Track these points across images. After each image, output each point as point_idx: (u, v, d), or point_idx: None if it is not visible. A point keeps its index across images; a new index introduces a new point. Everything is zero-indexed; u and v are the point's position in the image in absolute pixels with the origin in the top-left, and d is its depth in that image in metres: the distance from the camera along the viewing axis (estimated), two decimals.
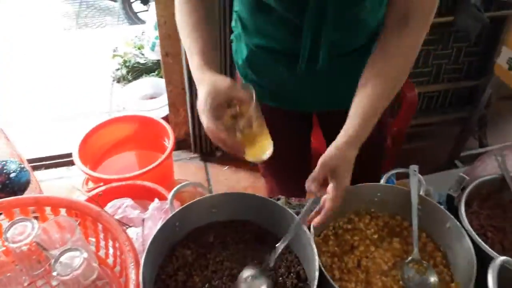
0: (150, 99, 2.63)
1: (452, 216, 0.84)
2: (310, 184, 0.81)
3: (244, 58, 1.09)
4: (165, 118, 2.31)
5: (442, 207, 0.88)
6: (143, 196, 1.35)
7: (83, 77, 3.15)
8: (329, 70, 1.00)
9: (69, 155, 1.82)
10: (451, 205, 0.90)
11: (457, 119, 2.22)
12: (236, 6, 1.06)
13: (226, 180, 2.25)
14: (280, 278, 0.82)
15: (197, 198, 0.85)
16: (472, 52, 1.99)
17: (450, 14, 1.74)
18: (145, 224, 0.82)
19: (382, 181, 0.94)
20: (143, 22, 3.66)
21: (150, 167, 1.61)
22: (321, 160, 0.81)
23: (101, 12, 4.40)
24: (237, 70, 1.18)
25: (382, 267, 0.84)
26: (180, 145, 2.43)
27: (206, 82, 0.81)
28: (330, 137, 1.32)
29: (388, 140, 1.60)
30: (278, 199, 1.07)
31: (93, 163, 1.89)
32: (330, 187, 0.79)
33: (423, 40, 0.88)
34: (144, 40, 3.05)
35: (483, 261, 0.75)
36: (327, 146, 1.33)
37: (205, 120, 0.78)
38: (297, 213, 0.99)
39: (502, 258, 0.62)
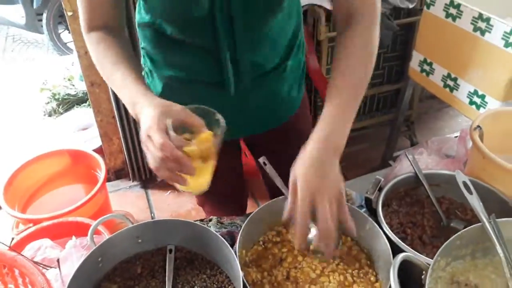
0: (83, 130, 2.56)
1: (370, 218, 0.87)
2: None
3: (159, 93, 1.05)
4: (100, 149, 2.25)
5: (362, 210, 0.92)
6: (79, 233, 1.30)
7: (13, 114, 3.00)
8: (254, 90, 1.01)
9: None
10: (371, 207, 0.94)
11: (386, 121, 2.33)
12: (142, 43, 1.03)
13: (169, 205, 2.22)
14: None
15: (119, 231, 0.83)
16: (391, 58, 2.11)
17: None
18: (63, 263, 0.79)
19: None
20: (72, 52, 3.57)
21: (81, 202, 1.56)
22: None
23: (29, 45, 4.24)
24: None
25: (311, 275, 0.86)
26: (118, 174, 2.38)
27: (157, 105, 0.77)
28: (260, 156, 1.35)
29: None
30: (210, 220, 1.07)
31: (23, 203, 1.79)
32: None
33: (377, 39, 0.89)
34: (73, 71, 2.98)
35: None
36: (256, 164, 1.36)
37: (159, 136, 0.72)
38: (230, 232, 1.00)
39: (402, 254, 0.66)
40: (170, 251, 0.89)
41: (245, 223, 0.86)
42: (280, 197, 0.93)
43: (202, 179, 0.82)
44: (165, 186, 2.33)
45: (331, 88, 0.85)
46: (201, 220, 1.05)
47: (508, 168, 0.90)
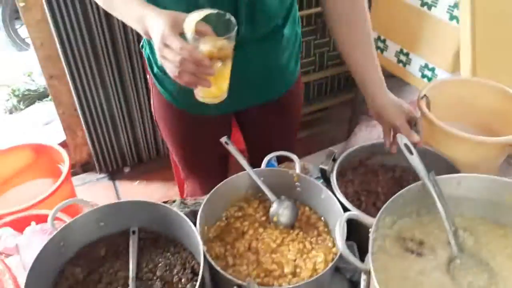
0: (47, 125, 2.51)
1: (324, 187, 0.91)
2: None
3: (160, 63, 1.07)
4: (65, 142, 2.22)
5: (317, 181, 0.96)
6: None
7: None
8: (254, 58, 1.03)
9: None
10: (327, 177, 0.98)
11: (347, 100, 2.38)
12: None
13: (138, 195, 2.21)
14: (176, 276, 0.83)
15: (79, 215, 0.84)
16: None
17: (319, 5, 1.88)
18: (25, 250, 0.79)
19: (263, 166, 0.99)
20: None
21: (44, 195, 1.54)
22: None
23: None
24: (152, 78, 1.13)
25: (271, 245, 0.89)
26: (85, 167, 2.35)
27: (166, 14, 0.77)
28: (249, 138, 1.36)
29: None
30: (174, 201, 1.09)
31: None
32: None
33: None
34: (33, 66, 2.89)
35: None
36: (247, 146, 1.39)
37: (177, 41, 0.73)
38: (194, 212, 1.02)
39: (348, 213, 0.70)
40: (134, 232, 0.90)
41: (204, 200, 0.88)
42: (240, 173, 0.96)
43: (223, 82, 0.84)
44: (133, 175, 2.32)
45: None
46: (165, 202, 1.07)
47: (453, 133, 0.96)
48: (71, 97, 1.95)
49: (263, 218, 0.95)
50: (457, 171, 0.94)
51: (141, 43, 1.14)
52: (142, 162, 2.36)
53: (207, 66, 0.75)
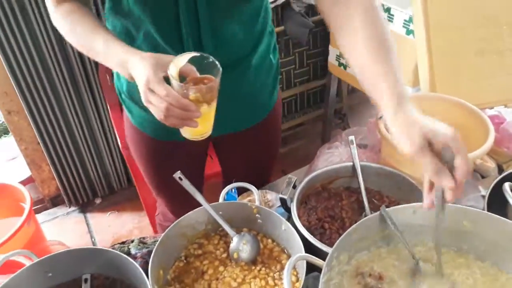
0: (11, 161, 2.43)
1: (284, 219, 0.88)
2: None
3: (125, 90, 1.06)
4: (31, 177, 2.15)
5: (277, 212, 0.93)
6: (6, 270, 1.23)
7: None
8: (228, 83, 0.96)
9: None
10: (287, 206, 0.94)
11: (319, 116, 2.37)
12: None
13: (110, 227, 2.14)
14: None
15: (20, 269, 0.78)
16: (314, 54, 2.15)
17: (280, 24, 1.87)
18: None
19: (221, 199, 0.95)
20: None
21: (5, 237, 1.47)
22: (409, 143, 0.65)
23: None
24: (122, 103, 1.11)
25: (232, 285, 0.85)
26: (55, 201, 2.27)
27: (149, 56, 0.76)
28: (224, 162, 1.33)
29: None
30: (132, 241, 1.04)
31: None
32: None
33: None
34: None
35: (317, 254, 0.80)
36: (223, 171, 1.37)
37: (161, 87, 0.73)
38: (151, 252, 0.97)
39: (298, 255, 0.66)
40: (86, 280, 0.85)
41: (157, 243, 0.84)
42: (197, 208, 0.92)
43: (209, 121, 0.85)
44: (105, 207, 2.25)
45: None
46: (123, 243, 1.02)
47: None
48: (32, 132, 1.89)
49: (224, 255, 0.91)
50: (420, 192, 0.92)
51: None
52: (113, 192, 2.30)
53: (194, 111, 0.76)
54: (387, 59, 0.75)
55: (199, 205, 0.91)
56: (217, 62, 0.79)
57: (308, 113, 2.35)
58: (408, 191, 0.97)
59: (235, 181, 1.00)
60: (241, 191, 1.07)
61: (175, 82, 0.75)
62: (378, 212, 0.69)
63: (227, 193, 0.98)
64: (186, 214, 0.91)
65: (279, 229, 0.90)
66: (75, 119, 1.92)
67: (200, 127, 0.81)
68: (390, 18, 1.39)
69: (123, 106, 1.13)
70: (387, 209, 0.71)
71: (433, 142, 0.64)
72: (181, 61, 0.76)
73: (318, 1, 0.87)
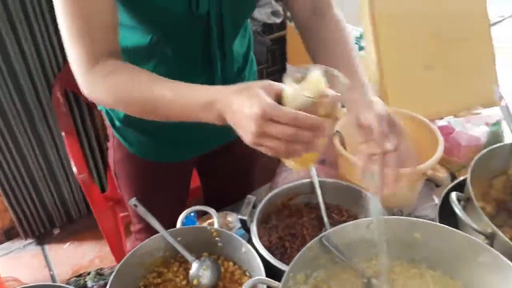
0: None
1: (244, 241, 0.86)
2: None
3: (122, 117, 1.01)
4: None
5: (238, 233, 0.91)
6: None
7: None
8: None
9: None
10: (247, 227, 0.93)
11: None
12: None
13: (69, 258, 2.05)
14: None
15: None
16: (272, 72, 2.18)
17: None
18: None
19: (178, 224, 0.93)
20: None
21: None
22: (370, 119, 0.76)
23: None
24: (113, 132, 1.07)
25: None
26: (9, 234, 2.16)
27: (248, 87, 0.64)
28: (207, 179, 1.35)
29: None
30: (89, 273, 1.00)
31: None
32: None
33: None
34: None
35: (278, 274, 0.79)
36: (204, 190, 1.37)
37: (286, 111, 0.60)
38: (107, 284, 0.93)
39: (253, 279, 0.65)
40: None
41: (112, 275, 0.80)
42: (154, 236, 0.89)
43: (323, 141, 0.67)
44: (63, 238, 2.16)
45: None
46: (79, 275, 0.98)
47: None
48: None
49: (184, 282, 0.89)
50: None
51: None
52: (72, 222, 2.21)
53: (324, 129, 0.63)
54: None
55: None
56: (341, 75, 0.66)
57: None
58: (366, 205, 0.98)
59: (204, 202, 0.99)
60: (201, 213, 1.05)
61: (301, 99, 0.62)
62: (318, 238, 0.69)
63: (185, 217, 0.96)
64: (143, 242, 0.88)
65: (239, 251, 0.88)
66: (28, 146, 1.85)
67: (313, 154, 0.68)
68: None
69: (115, 136, 1.08)
70: (336, 227, 0.71)
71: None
72: (320, 76, 0.63)
73: (296, 15, 0.98)
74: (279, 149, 0.63)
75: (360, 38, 1.37)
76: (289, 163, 0.71)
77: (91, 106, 1.85)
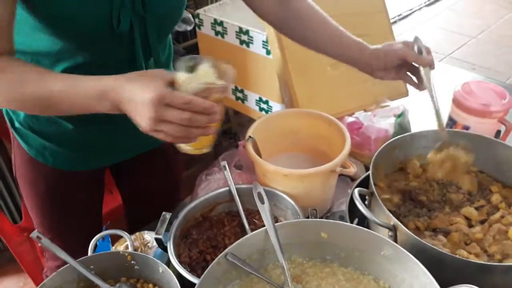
0: None
1: (159, 261, 0.84)
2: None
3: (21, 119, 0.95)
4: None
5: (157, 252, 0.89)
6: None
7: None
8: None
9: None
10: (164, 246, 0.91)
11: None
12: None
13: None
14: None
15: None
16: None
17: None
18: None
19: (90, 252, 0.88)
20: None
21: None
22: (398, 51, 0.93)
23: None
24: (13, 133, 1.00)
25: None
26: None
27: (140, 75, 0.68)
28: (126, 189, 1.29)
29: None
30: None
31: None
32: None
33: None
34: None
35: None
36: (124, 199, 1.32)
37: (180, 96, 0.64)
38: None
39: None
40: None
41: None
42: (63, 267, 0.83)
43: (216, 125, 0.73)
44: None
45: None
46: None
47: (277, 170, 0.96)
48: None
49: None
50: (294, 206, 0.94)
51: None
52: None
53: (217, 112, 0.67)
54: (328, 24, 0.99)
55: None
56: (229, 66, 0.73)
57: None
58: (284, 208, 0.99)
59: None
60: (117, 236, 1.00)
61: (195, 85, 0.67)
62: (223, 255, 0.69)
63: (99, 242, 0.91)
64: (51, 276, 0.83)
65: (157, 272, 0.85)
66: None
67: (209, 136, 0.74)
68: (250, 40, 1.44)
69: (15, 137, 1.02)
70: (240, 240, 0.71)
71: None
72: (207, 67, 0.70)
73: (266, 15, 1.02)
74: (177, 134, 0.66)
75: (267, 42, 1.39)
76: (185, 148, 0.77)
77: None
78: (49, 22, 0.78)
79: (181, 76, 0.69)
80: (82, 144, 1.00)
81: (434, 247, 0.70)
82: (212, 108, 0.66)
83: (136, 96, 0.65)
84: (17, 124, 1.00)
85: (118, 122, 0.96)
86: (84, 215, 1.16)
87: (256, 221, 1.03)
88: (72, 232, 1.17)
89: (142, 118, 0.66)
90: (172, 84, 0.68)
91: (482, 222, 0.86)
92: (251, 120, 2.92)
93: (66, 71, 0.84)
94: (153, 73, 0.68)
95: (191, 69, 0.71)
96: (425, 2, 4.84)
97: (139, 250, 0.95)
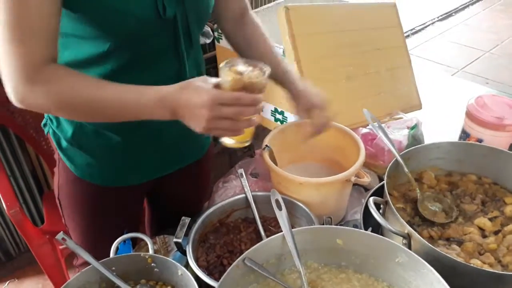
0: None
1: (179, 264, 0.86)
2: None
3: (70, 137, 0.97)
4: None
5: (176, 255, 0.91)
6: None
7: None
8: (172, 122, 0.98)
9: None
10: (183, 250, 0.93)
11: (223, 149, 2.40)
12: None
13: None
14: None
15: None
16: None
17: None
18: None
19: (112, 254, 0.92)
20: None
21: None
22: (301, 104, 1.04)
23: None
24: (59, 154, 1.03)
25: None
26: None
27: (189, 82, 0.77)
28: (158, 203, 1.31)
29: None
30: None
31: None
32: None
33: None
34: None
35: None
36: (153, 212, 1.36)
37: (229, 94, 0.75)
38: None
39: None
40: None
41: None
42: (87, 268, 0.86)
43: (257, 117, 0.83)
44: (2, 277, 2.04)
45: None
46: None
47: (293, 179, 0.99)
48: None
49: None
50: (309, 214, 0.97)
51: (43, 121, 1.05)
52: (11, 259, 2.09)
53: (260, 101, 0.77)
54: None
55: None
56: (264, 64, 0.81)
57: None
58: (300, 216, 1.01)
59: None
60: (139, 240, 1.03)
61: (239, 83, 0.76)
62: (241, 259, 0.71)
63: (121, 245, 0.95)
64: (74, 276, 0.86)
65: (176, 275, 0.88)
66: None
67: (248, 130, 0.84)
68: None
69: (60, 159, 1.04)
70: (257, 245, 0.73)
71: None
72: (243, 66, 0.78)
73: (226, 22, 1.09)
74: (231, 128, 0.76)
75: (283, 55, 1.42)
76: (229, 143, 0.86)
77: (23, 138, 1.77)
78: (98, 22, 0.80)
79: (227, 77, 0.77)
80: (128, 157, 1.03)
81: (448, 255, 0.72)
82: (258, 99, 0.76)
83: (192, 100, 0.74)
84: (64, 144, 1.01)
85: (164, 135, 1.02)
86: (123, 227, 1.17)
87: (271, 227, 1.06)
88: (101, 237, 1.20)
89: (200, 120, 0.75)
90: (217, 86, 0.77)
91: (495, 233, 0.87)
92: (266, 131, 2.97)
93: (112, 73, 0.87)
94: (200, 80, 0.77)
95: (231, 70, 0.79)
96: (438, 17, 4.87)
97: (159, 253, 0.98)
